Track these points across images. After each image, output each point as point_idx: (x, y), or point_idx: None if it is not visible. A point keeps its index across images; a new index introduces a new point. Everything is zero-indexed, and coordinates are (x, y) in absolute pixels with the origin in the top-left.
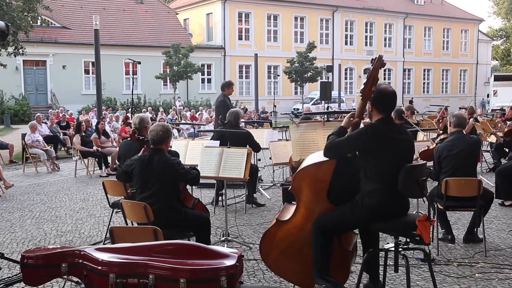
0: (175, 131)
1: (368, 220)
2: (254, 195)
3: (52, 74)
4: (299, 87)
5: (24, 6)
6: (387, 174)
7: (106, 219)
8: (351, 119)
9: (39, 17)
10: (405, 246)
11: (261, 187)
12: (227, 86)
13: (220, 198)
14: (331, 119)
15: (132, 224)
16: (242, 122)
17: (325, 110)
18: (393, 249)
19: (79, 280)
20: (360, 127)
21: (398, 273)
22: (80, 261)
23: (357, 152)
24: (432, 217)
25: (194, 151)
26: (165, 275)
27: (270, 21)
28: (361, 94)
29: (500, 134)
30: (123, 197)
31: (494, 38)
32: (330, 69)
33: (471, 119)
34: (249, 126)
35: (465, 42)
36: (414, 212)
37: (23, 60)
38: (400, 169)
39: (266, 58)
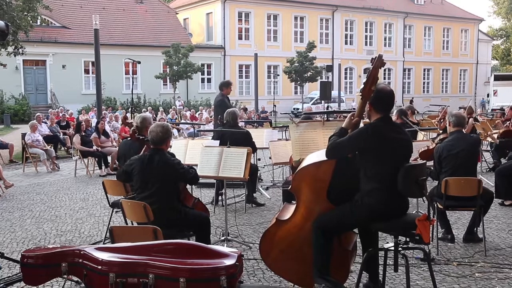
0: (175, 131)
1: (368, 220)
2: (254, 194)
3: (52, 74)
4: (299, 87)
5: (24, 5)
6: (387, 174)
7: (106, 218)
8: (352, 118)
9: (39, 17)
10: (404, 246)
11: (261, 186)
12: (226, 86)
13: (220, 198)
14: (330, 118)
15: (132, 224)
16: (241, 122)
17: (325, 110)
18: (392, 248)
19: (79, 280)
20: (360, 127)
21: (397, 272)
22: (80, 260)
23: (357, 152)
24: (431, 217)
25: (194, 150)
26: (165, 275)
27: (270, 20)
28: (361, 94)
29: (496, 135)
30: (123, 197)
31: (494, 38)
32: (330, 68)
33: (471, 119)
34: (249, 126)
35: (465, 41)
36: (413, 212)
37: (23, 60)
38: (399, 168)
39: (266, 57)
